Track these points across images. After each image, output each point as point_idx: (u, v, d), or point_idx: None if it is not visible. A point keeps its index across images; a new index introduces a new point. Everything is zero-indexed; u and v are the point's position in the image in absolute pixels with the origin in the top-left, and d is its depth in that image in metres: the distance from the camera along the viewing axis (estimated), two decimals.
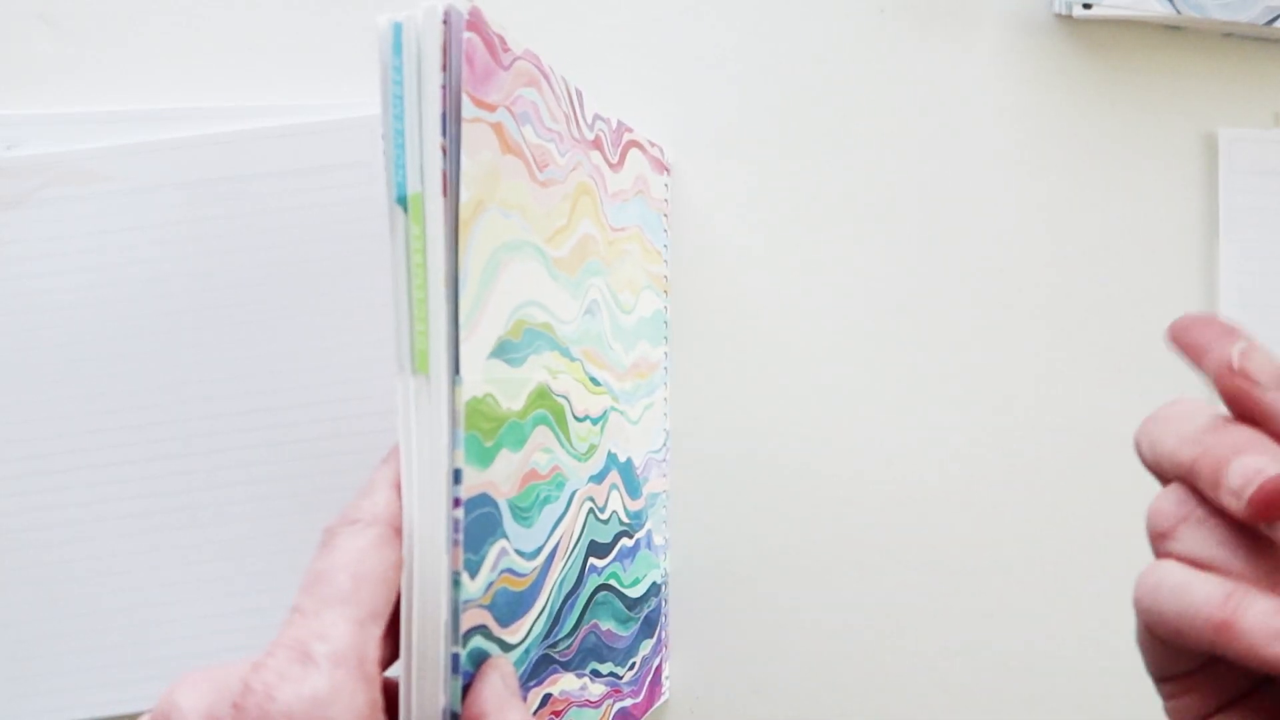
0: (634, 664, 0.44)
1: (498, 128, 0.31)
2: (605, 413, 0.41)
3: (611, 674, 0.41)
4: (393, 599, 0.26)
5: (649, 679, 0.46)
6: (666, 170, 0.50)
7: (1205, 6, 0.51)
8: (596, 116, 0.41)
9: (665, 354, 0.50)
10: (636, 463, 0.44)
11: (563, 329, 0.36)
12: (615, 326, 0.42)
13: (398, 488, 0.28)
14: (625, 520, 0.43)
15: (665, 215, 0.50)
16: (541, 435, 0.34)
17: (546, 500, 0.34)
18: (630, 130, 0.45)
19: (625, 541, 0.43)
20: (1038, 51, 0.53)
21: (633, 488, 0.44)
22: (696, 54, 0.51)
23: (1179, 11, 0.51)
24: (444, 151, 0.28)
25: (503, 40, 0.32)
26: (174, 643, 0.45)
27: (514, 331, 0.32)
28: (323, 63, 0.48)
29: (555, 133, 0.36)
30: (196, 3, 0.47)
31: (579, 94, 0.39)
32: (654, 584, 0.47)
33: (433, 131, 0.28)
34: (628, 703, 0.43)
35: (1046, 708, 0.53)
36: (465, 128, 0.29)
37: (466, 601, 0.28)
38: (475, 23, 0.30)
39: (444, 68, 0.28)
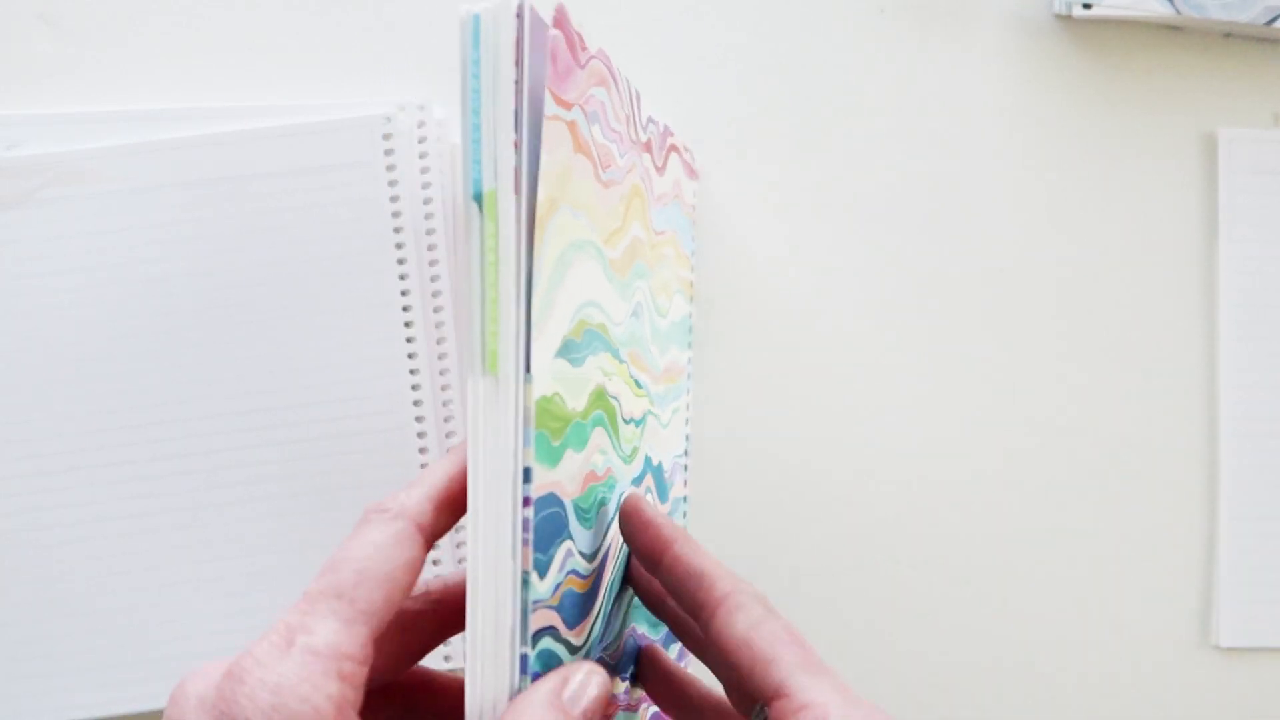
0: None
1: (572, 126, 0.31)
2: (645, 416, 0.40)
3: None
4: (396, 598, 0.26)
5: None
6: (695, 175, 0.50)
7: (1205, 6, 0.51)
8: (650, 119, 0.41)
9: (689, 359, 0.49)
10: (665, 467, 0.44)
11: (615, 330, 0.36)
12: (654, 330, 0.41)
13: (442, 486, 0.28)
14: None
15: (694, 221, 0.50)
16: (599, 437, 0.34)
17: (603, 501, 0.35)
18: (672, 134, 0.44)
19: None
20: (1038, 51, 0.53)
21: (662, 491, 0.43)
22: (695, 55, 0.51)
23: (1179, 11, 0.51)
24: (516, 148, 0.28)
25: (581, 39, 0.32)
26: (174, 643, 0.45)
27: (576, 331, 0.32)
28: (322, 63, 0.48)
29: (617, 134, 0.36)
30: (196, 3, 0.47)
31: (638, 95, 0.39)
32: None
33: (506, 127, 0.28)
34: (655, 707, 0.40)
35: (1071, 712, 0.53)
36: (546, 125, 0.29)
37: (536, 601, 0.28)
38: (561, 20, 0.30)
39: (517, 62, 0.28)
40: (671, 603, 0.34)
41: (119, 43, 0.47)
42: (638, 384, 0.39)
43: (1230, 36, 0.54)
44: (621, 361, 0.37)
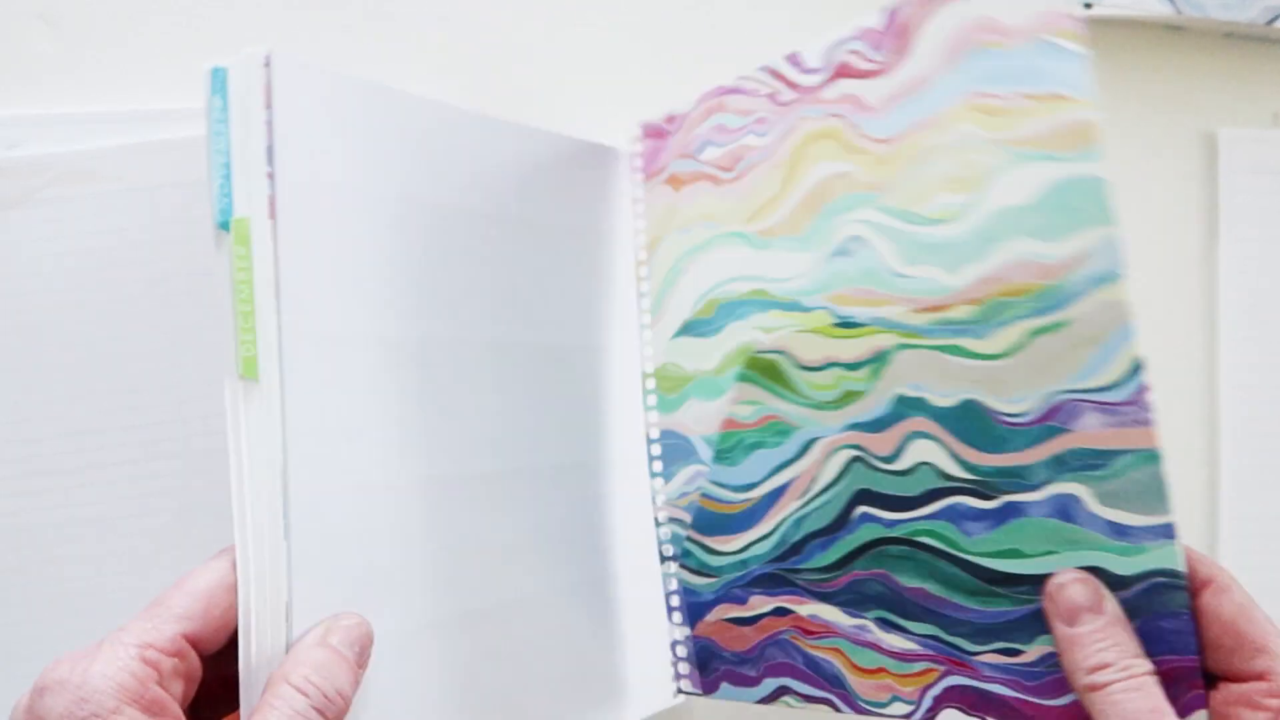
0: (1018, 651, 0.35)
1: (671, 179, 0.44)
2: (880, 354, 0.37)
3: (937, 639, 0.37)
4: (216, 611, 0.31)
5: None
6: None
7: (1205, 6, 0.51)
8: (832, 47, 0.40)
9: (1104, 238, 0.35)
10: (1002, 408, 0.35)
11: (783, 287, 0.41)
12: (914, 247, 0.37)
13: None
14: (965, 476, 0.36)
15: (1063, 36, 0.34)
16: (743, 390, 0.42)
17: (757, 445, 0.41)
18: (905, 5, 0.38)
19: (967, 501, 0.36)
20: None
21: (987, 439, 0.35)
22: (694, 55, 0.51)
23: (1179, 11, 0.51)
24: (270, 178, 0.32)
25: (669, 118, 0.44)
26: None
27: (705, 311, 0.43)
28: (323, 62, 0.48)
29: (746, 126, 0.42)
30: (196, 3, 0.47)
31: (793, 55, 0.41)
32: (1097, 570, 0.33)
33: (259, 161, 0.32)
34: (1000, 690, 0.36)
35: None
36: (647, 189, 0.43)
37: (659, 496, 0.44)
38: (646, 130, 0.44)
39: (266, 105, 0.32)
40: None
41: (119, 43, 0.47)
42: (848, 324, 0.38)
43: (1230, 36, 0.54)
44: (807, 310, 0.40)
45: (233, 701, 0.33)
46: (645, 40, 0.51)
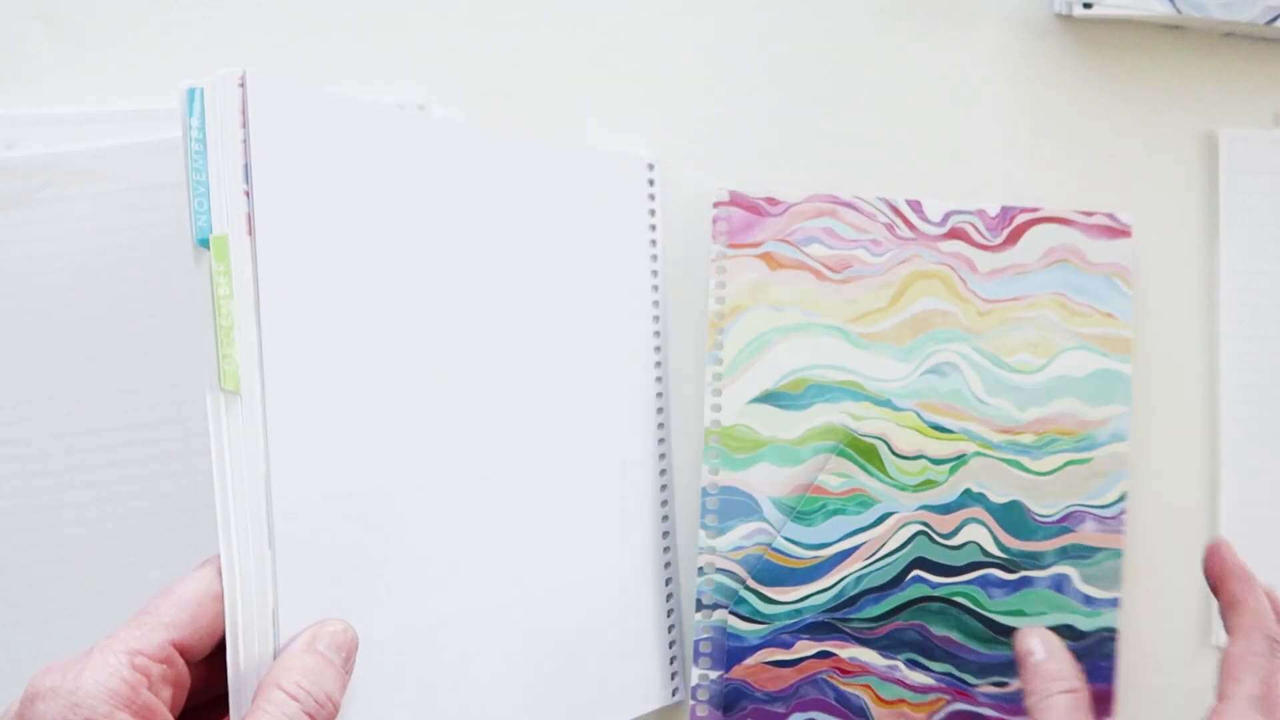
0: (1006, 683, 0.50)
1: (766, 256, 0.50)
2: (962, 456, 0.50)
3: (951, 675, 0.50)
4: (204, 619, 0.32)
5: None
6: (1126, 234, 0.52)
7: (1205, 6, 0.51)
8: (952, 213, 0.51)
9: (1121, 413, 0.52)
10: (1037, 509, 0.51)
11: (878, 385, 0.50)
12: (996, 384, 0.51)
13: None
14: (999, 554, 0.50)
15: (1119, 278, 0.52)
16: (829, 461, 0.49)
17: (837, 512, 0.49)
18: (1035, 210, 0.52)
19: (996, 573, 0.50)
20: (1038, 51, 0.53)
21: (1021, 529, 0.51)
22: (694, 55, 0.51)
23: (1179, 11, 0.51)
24: (246, 195, 0.33)
25: (770, 200, 0.50)
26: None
27: (792, 386, 0.49)
28: (321, 63, 0.48)
29: (860, 241, 0.50)
30: (196, 3, 0.47)
31: (915, 203, 0.51)
32: (1069, 627, 0.51)
33: (236, 179, 0.33)
34: (988, 712, 0.51)
35: None
36: (729, 259, 0.49)
37: (707, 549, 0.49)
38: (735, 198, 0.50)
39: (243, 124, 0.33)
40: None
41: (119, 43, 0.47)
42: (938, 428, 0.50)
43: (1230, 36, 0.54)
44: (899, 410, 0.50)
45: (220, 707, 0.33)
46: (638, 46, 0.51)
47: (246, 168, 0.33)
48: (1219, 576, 0.42)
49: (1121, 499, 0.51)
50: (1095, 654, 0.51)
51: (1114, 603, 0.51)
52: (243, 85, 0.33)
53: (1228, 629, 0.41)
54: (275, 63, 0.48)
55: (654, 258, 0.50)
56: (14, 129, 0.45)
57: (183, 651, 0.31)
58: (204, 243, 0.33)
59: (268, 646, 0.33)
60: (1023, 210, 0.52)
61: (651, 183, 0.50)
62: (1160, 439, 0.53)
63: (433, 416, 0.39)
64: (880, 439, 0.50)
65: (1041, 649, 0.43)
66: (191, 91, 0.33)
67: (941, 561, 0.50)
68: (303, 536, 0.34)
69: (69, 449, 0.45)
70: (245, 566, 0.33)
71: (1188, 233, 0.54)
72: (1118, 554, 0.51)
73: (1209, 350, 0.54)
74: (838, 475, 0.49)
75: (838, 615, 0.49)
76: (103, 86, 0.47)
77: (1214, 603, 0.53)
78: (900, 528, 0.50)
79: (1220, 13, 0.51)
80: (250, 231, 0.33)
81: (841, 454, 0.49)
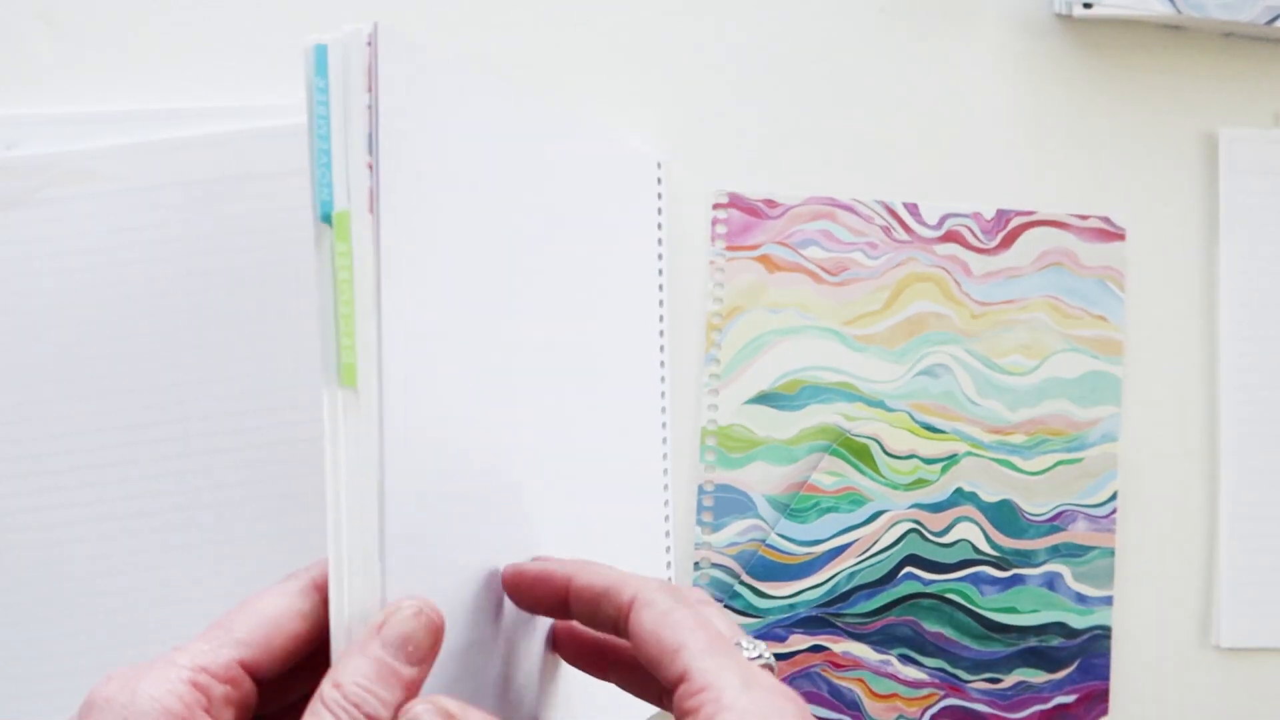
0: (999, 679, 0.51)
1: (764, 259, 0.50)
2: (954, 456, 0.51)
3: (944, 671, 0.51)
4: (278, 639, 0.29)
5: (1044, 709, 0.52)
6: (1120, 238, 0.53)
7: (1205, 6, 0.51)
8: (948, 215, 0.52)
9: (1111, 414, 0.52)
10: (1028, 508, 0.52)
11: (871, 386, 0.51)
12: (988, 386, 0.52)
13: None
14: (991, 552, 0.51)
15: (1112, 281, 0.53)
16: (823, 461, 0.50)
17: (830, 509, 0.50)
18: (1030, 213, 0.52)
19: (988, 570, 0.51)
20: (1038, 51, 0.53)
21: (1012, 528, 0.52)
22: (693, 55, 0.51)
23: (1179, 11, 0.51)
24: (370, 169, 0.29)
25: (769, 202, 0.50)
26: (173, 643, 0.45)
27: (787, 387, 0.50)
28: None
29: (857, 244, 0.51)
30: (196, 3, 0.47)
31: (912, 206, 0.51)
32: (1061, 624, 0.52)
33: (359, 151, 0.29)
34: (980, 708, 0.51)
35: None
36: (728, 260, 0.50)
37: (703, 545, 0.49)
38: (734, 200, 0.50)
39: (369, 89, 0.29)
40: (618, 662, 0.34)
41: (119, 43, 0.47)
42: (930, 428, 0.51)
43: (1230, 36, 0.54)
44: (891, 410, 0.51)
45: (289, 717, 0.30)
46: (637, 46, 0.51)
47: (371, 138, 0.29)
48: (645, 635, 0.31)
49: (1113, 497, 0.52)
50: (1089, 652, 0.51)
51: (1108, 601, 0.52)
52: (371, 44, 0.29)
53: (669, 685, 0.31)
54: (274, 63, 0.48)
55: (659, 256, 0.50)
56: (14, 129, 0.45)
57: (252, 671, 0.29)
58: (326, 219, 0.29)
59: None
60: (1018, 213, 0.52)
61: (659, 181, 0.50)
62: (1156, 439, 0.53)
63: (527, 410, 0.37)
64: (873, 439, 0.51)
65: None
66: (319, 49, 0.29)
67: (933, 559, 0.51)
68: (413, 548, 0.31)
69: (69, 449, 0.45)
70: (353, 580, 0.29)
71: (1187, 233, 0.54)
72: (1110, 553, 0.52)
73: (1208, 350, 0.54)
74: (831, 474, 0.51)
75: (831, 610, 0.50)
76: (103, 86, 0.47)
77: (1211, 601, 0.53)
78: (892, 525, 0.51)
79: (1220, 13, 0.51)
80: (372, 209, 0.29)
81: (835, 453, 0.51)
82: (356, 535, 0.29)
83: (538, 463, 0.38)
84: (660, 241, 0.50)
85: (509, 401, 0.36)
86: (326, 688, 0.28)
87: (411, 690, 0.28)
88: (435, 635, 0.29)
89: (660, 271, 0.50)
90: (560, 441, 0.40)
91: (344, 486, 0.29)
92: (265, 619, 0.29)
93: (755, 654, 0.30)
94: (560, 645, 0.36)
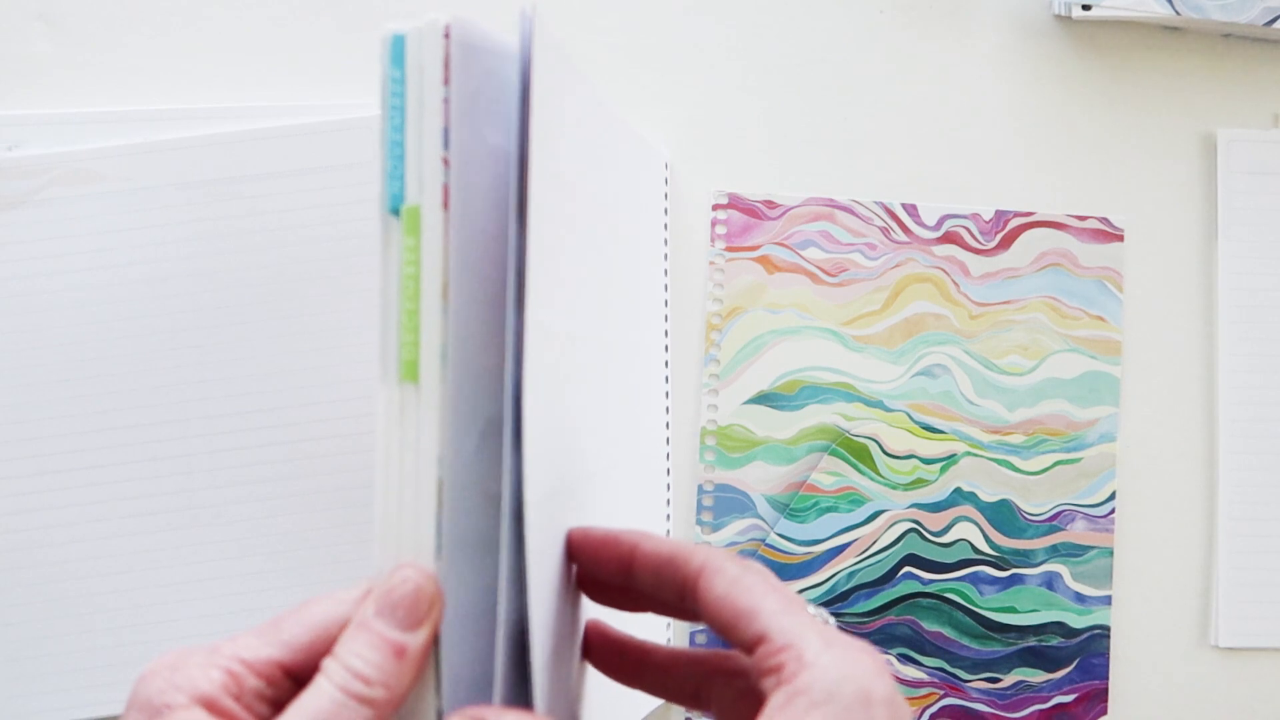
0: (998, 679, 0.51)
1: (763, 260, 0.51)
2: (952, 456, 0.51)
3: (943, 670, 0.51)
4: (321, 645, 0.28)
5: (1043, 709, 0.52)
6: (1119, 238, 0.53)
7: (1205, 7, 0.51)
8: (947, 216, 0.52)
9: (1110, 414, 0.52)
10: (1026, 508, 0.52)
11: (870, 386, 0.51)
12: (986, 386, 0.52)
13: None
14: (990, 552, 0.51)
15: (1111, 281, 0.52)
16: (822, 461, 0.51)
17: (829, 509, 0.51)
18: (1029, 214, 0.52)
19: (987, 570, 0.51)
20: (1038, 52, 0.53)
21: (1011, 528, 0.52)
22: (693, 55, 0.51)
23: (1179, 12, 0.51)
24: (445, 164, 0.28)
25: (768, 203, 0.51)
26: (174, 642, 0.46)
27: (786, 387, 0.51)
28: (322, 63, 0.48)
29: (856, 245, 0.51)
30: (196, 3, 0.47)
31: (911, 207, 0.52)
32: (1060, 624, 0.52)
33: (435, 144, 0.28)
34: (980, 707, 0.51)
35: None
36: (729, 261, 0.50)
37: (702, 544, 0.44)
38: (734, 201, 0.50)
39: (445, 81, 0.28)
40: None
41: (119, 43, 0.47)
42: (929, 428, 0.51)
43: (1230, 37, 0.54)
44: (890, 410, 0.51)
45: None
46: (637, 47, 0.51)
47: (446, 132, 0.28)
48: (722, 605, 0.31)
49: (1112, 497, 0.52)
50: (1088, 651, 0.51)
51: (1106, 600, 0.52)
52: (448, 36, 0.28)
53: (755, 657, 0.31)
54: (274, 63, 0.48)
55: (665, 256, 0.50)
56: (16, 129, 0.45)
57: (293, 672, 0.28)
58: (395, 211, 0.29)
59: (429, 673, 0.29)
60: (1016, 214, 0.52)
61: (666, 181, 0.50)
62: (1154, 439, 0.53)
63: (599, 407, 0.36)
64: (872, 439, 0.51)
65: None
66: (397, 39, 0.29)
67: (932, 558, 0.51)
68: (468, 552, 0.30)
69: (70, 448, 0.45)
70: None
71: (1186, 233, 0.54)
72: (1108, 552, 0.52)
73: (1206, 351, 0.54)
74: (830, 474, 0.51)
75: (830, 610, 0.50)
76: (103, 86, 0.47)
77: (1211, 601, 0.53)
78: (891, 525, 0.51)
79: (1219, 14, 0.51)
80: (446, 205, 0.29)
81: (834, 453, 0.51)
82: (410, 532, 0.28)
83: (600, 460, 0.37)
84: (666, 241, 0.50)
85: (577, 400, 0.35)
86: (326, 660, 0.28)
87: (414, 657, 0.28)
88: (420, 595, 0.28)
89: (666, 271, 0.50)
90: (609, 440, 0.40)
91: (400, 483, 0.29)
92: (314, 624, 0.29)
93: (821, 620, 0.30)
94: (593, 652, 0.35)
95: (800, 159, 0.52)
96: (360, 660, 0.27)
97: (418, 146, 0.29)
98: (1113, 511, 0.52)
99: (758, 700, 0.27)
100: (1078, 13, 0.51)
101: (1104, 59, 0.54)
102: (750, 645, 0.28)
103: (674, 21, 0.51)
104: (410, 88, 0.29)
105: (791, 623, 0.28)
